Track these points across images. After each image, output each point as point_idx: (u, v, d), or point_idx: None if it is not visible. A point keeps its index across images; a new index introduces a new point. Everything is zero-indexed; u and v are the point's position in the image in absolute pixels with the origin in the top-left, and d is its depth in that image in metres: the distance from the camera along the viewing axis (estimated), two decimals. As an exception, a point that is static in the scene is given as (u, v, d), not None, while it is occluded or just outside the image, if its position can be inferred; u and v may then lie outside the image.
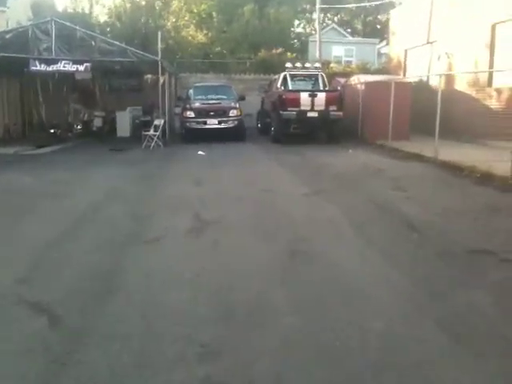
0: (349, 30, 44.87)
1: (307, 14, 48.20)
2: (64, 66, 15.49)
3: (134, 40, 22.60)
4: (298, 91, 16.02)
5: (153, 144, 15.13)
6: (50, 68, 15.43)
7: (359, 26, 51.00)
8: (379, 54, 37.56)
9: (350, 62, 30.53)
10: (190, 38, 25.91)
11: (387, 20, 49.51)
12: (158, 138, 15.37)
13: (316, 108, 15.62)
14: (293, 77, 17.26)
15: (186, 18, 26.49)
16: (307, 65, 17.75)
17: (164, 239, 5.45)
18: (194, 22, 29.42)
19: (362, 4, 36.81)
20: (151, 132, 15.43)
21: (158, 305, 3.79)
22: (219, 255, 4.92)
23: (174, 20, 24.82)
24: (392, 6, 47.30)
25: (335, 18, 49.86)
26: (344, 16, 50.58)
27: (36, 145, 16.04)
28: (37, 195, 7.92)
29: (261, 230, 5.85)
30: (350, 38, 40.37)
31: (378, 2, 36.15)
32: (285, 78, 17.17)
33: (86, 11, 23.07)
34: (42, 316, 3.62)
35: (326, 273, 4.44)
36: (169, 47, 23.57)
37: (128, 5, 24.23)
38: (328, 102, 15.63)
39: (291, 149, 14.71)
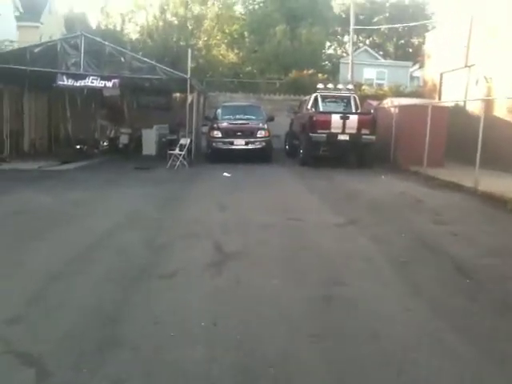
0: (381, 53, 44.27)
1: (338, 37, 47.98)
2: (92, 82, 15.23)
3: (165, 58, 22.43)
4: (329, 113, 15.44)
5: (178, 163, 14.69)
6: (78, 83, 15.19)
7: (391, 49, 50.42)
8: (411, 78, 36.88)
9: (381, 84, 29.86)
10: (220, 57, 25.67)
11: (420, 43, 49.10)
12: (183, 157, 14.94)
13: (347, 131, 15.00)
14: (324, 98, 16.71)
15: (218, 38, 26.28)
16: (339, 86, 17.19)
17: (180, 275, 4.87)
18: (226, 41, 29.27)
19: (395, 25, 36.12)
20: (176, 151, 15.00)
21: (165, 364, 3.18)
22: (240, 299, 4.30)
23: (205, 39, 24.61)
24: (425, 29, 46.83)
25: (367, 41, 49.46)
26: (376, 39, 50.14)
27: (61, 160, 15.78)
28: (52, 217, 7.46)
29: (289, 268, 5.22)
30: (382, 60, 39.78)
31: (411, 24, 35.51)
32: (316, 99, 16.62)
33: (118, 28, 23.01)
34: (30, 369, 3.07)
35: (366, 329, 3.77)
36: (199, 66, 23.36)
37: (160, 23, 24.14)
38: (360, 125, 15.00)
39: (320, 173, 14.10)
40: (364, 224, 7.42)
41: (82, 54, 14.96)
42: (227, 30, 31.03)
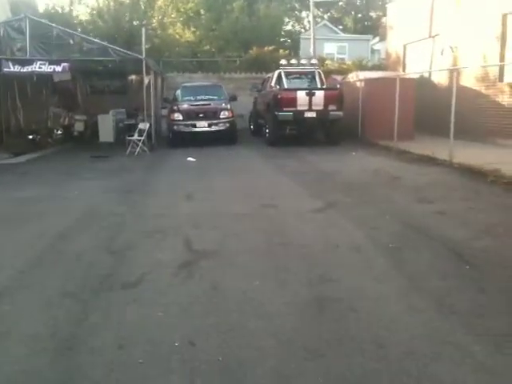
0: (340, 27, 43.74)
1: (296, 12, 47.19)
2: (40, 67, 14.14)
3: (118, 39, 21.26)
4: (295, 90, 14.81)
5: (137, 150, 13.86)
6: (25, 69, 14.07)
7: (349, 24, 49.97)
8: (372, 51, 36.56)
9: (342, 59, 29.42)
10: (177, 36, 24.57)
11: (379, 16, 48.81)
12: (143, 143, 14.11)
13: (314, 107, 14.43)
14: (288, 74, 16.04)
15: (173, 16, 25.13)
16: (303, 61, 16.52)
17: (146, 282, 4.21)
18: (181, 20, 28.11)
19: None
20: (135, 137, 14.15)
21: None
22: (219, 308, 3.67)
23: (159, 17, 23.45)
24: (383, 2, 46.50)
25: (325, 16, 48.86)
26: (334, 13, 49.57)
27: (12, 152, 14.72)
28: (-4, 219, 6.64)
29: (269, 265, 4.62)
30: (343, 34, 39.28)
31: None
32: (279, 76, 15.94)
33: (67, 10, 21.64)
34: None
35: (368, 337, 3.22)
36: (154, 46, 22.26)
37: (111, 3, 22.86)
38: (327, 101, 14.44)
39: (288, 152, 13.53)
40: (343, 207, 6.89)
41: (28, 38, 13.87)
42: (182, 9, 29.83)
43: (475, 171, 9.28)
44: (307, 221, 6.19)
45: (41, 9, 25.90)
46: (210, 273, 4.40)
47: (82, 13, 23.72)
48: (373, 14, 51.04)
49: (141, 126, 14.41)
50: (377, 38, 38.61)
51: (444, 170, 9.80)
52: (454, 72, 11.30)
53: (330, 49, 33.05)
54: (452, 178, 8.98)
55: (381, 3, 49.32)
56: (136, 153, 13.77)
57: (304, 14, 50.04)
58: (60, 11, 21.00)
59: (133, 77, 21.08)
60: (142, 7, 22.46)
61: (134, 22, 21.18)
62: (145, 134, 14.22)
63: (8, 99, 19.91)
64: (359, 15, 51.37)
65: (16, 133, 19.85)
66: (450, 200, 7.19)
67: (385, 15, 42.16)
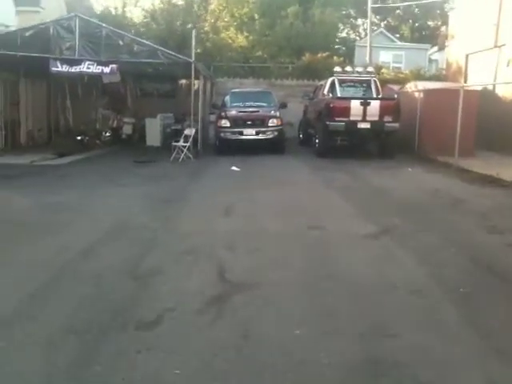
0: (397, 36, 42.39)
1: (352, 20, 46.17)
2: (88, 68, 13.92)
3: (169, 42, 21.03)
4: (348, 98, 14.00)
5: (182, 156, 13.39)
6: (73, 69, 13.88)
7: (406, 33, 48.47)
8: (430, 61, 35.13)
9: (398, 68, 28.24)
10: (229, 40, 24.16)
11: (436, 25, 47.15)
12: (188, 149, 13.64)
13: (368, 118, 13.57)
14: (342, 82, 15.23)
15: (226, 20, 24.76)
16: (358, 69, 15.68)
17: (166, 322, 3.56)
18: (235, 24, 27.73)
19: (413, 2, 34.24)
20: (181, 143, 13.70)
21: None
22: (247, 368, 2.98)
23: (212, 21, 23.12)
24: (442, 10, 44.85)
25: (382, 24, 47.52)
26: (391, 21, 48.19)
27: (58, 153, 14.59)
28: (21, 228, 6.15)
29: (314, 307, 3.90)
30: (399, 42, 37.99)
31: (429, 1, 33.69)
32: (333, 84, 15.16)
33: (120, 12, 21.62)
34: None
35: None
36: (206, 50, 21.92)
37: (165, 5, 22.71)
38: (383, 112, 13.54)
39: (338, 164, 12.73)
40: (401, 233, 6.07)
41: (77, 38, 13.64)
42: (237, 14, 29.49)
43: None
44: (359, 249, 5.42)
45: (97, 10, 26.17)
46: (242, 313, 3.72)
47: (135, 15, 23.67)
48: (431, 23, 49.39)
49: (186, 131, 13.96)
50: (435, 48, 37.15)
51: (511, 193, 8.78)
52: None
53: (385, 57, 31.89)
54: (524, 204, 7.98)
55: (439, 12, 47.76)
56: (180, 159, 13.31)
57: (360, 21, 48.91)
58: (113, 12, 20.92)
59: (183, 81, 20.81)
60: (195, 9, 22.10)
61: (187, 26, 20.85)
62: (190, 140, 13.76)
63: (58, 99, 20.03)
64: (416, 24, 49.79)
65: (65, 133, 19.94)
66: (524, 231, 6.25)
67: (444, 24, 40.81)
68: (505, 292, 4.26)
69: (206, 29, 22.60)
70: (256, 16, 30.55)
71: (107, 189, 8.90)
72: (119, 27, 15.90)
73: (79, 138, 19.16)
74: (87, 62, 13.81)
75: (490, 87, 16.45)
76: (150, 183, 9.55)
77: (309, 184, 9.88)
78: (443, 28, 37.85)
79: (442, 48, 36.66)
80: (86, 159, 13.90)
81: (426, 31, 48.13)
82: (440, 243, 5.66)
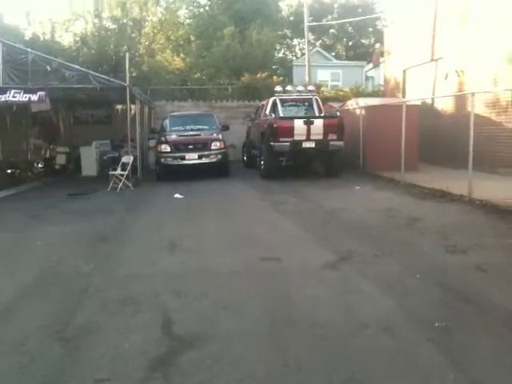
0: (332, 54, 43.18)
1: (288, 40, 46.71)
2: (14, 96, 12.95)
3: (103, 66, 20.20)
4: (291, 118, 13.70)
5: (120, 185, 12.60)
6: (-2, 98, 12.91)
7: (341, 51, 49.56)
8: (366, 78, 35.85)
9: (336, 86, 28.56)
10: (165, 63, 23.56)
11: (370, 43, 48.48)
12: (126, 177, 12.87)
13: (313, 137, 13.29)
14: (283, 102, 14.96)
15: (161, 42, 24.17)
16: (299, 88, 15.48)
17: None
18: (171, 46, 27.20)
19: (349, 20, 34.95)
20: (118, 171, 12.91)
21: None
22: None
23: (147, 43, 22.46)
24: (375, 29, 46.20)
25: (317, 43, 48.37)
26: (327, 40, 49.14)
27: (-16, 189, 13.43)
28: None
29: (275, 362, 3.32)
30: (335, 61, 38.64)
31: (365, 18, 34.48)
32: (274, 104, 14.85)
33: (48, 36, 20.56)
34: None
35: None
36: (142, 73, 21.21)
37: (95, 29, 21.88)
38: (327, 130, 13.30)
39: (285, 186, 12.35)
40: (359, 261, 5.62)
41: (1, 64, 12.70)
42: (172, 37, 28.98)
43: (502, 209, 8.11)
44: (319, 283, 4.91)
45: (27, 37, 24.92)
46: (193, 377, 3.10)
47: (66, 41, 22.61)
48: (364, 41, 50.74)
49: (124, 159, 13.20)
50: (370, 65, 38.02)
51: (465, 208, 8.60)
52: (470, 97, 10.17)
53: (323, 76, 32.33)
54: (477, 219, 7.76)
55: (372, 29, 49.14)
56: (118, 189, 12.52)
57: (295, 41, 49.66)
58: (41, 38, 19.89)
59: (118, 106, 20.01)
60: (129, 32, 21.37)
61: (121, 49, 20.11)
62: (128, 167, 13.00)
63: (-16, 131, 18.69)
64: (350, 43, 51.04)
65: (-7, 166, 18.61)
66: (486, 249, 5.93)
67: (377, 41, 41.91)
68: (482, 322, 3.86)
69: (140, 52, 21.86)
70: (192, 38, 30.22)
71: (36, 229, 8.00)
72: (49, 53, 14.97)
73: (9, 171, 17.99)
74: (13, 91, 12.87)
75: (429, 101, 16.64)
76: (85, 220, 8.70)
77: (257, 210, 9.35)
78: (377, 45, 38.88)
79: (376, 65, 37.62)
80: (15, 195, 12.82)
81: (361, 49, 49.40)
82: (402, 269, 5.25)
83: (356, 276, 5.08)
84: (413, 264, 5.41)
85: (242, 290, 4.76)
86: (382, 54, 37.68)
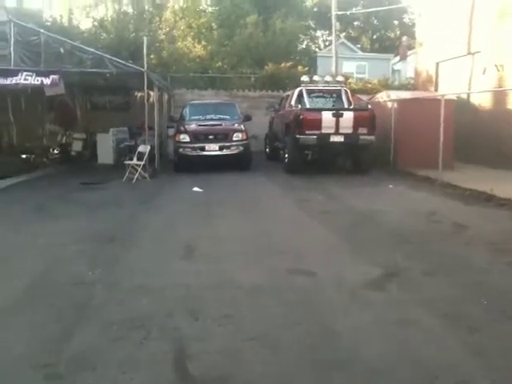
0: (358, 46, 41.94)
1: (311, 31, 45.51)
2: (25, 79, 12.27)
3: (122, 52, 19.43)
4: (319, 110, 12.80)
5: (136, 176, 11.87)
6: (8, 81, 12.22)
7: (366, 44, 48.21)
8: (393, 71, 34.68)
9: (361, 79, 27.51)
10: (186, 50, 22.73)
11: (396, 36, 47.09)
12: (143, 167, 12.13)
13: (342, 131, 12.40)
14: (310, 92, 14.04)
15: (182, 28, 23.33)
16: (327, 78, 14.56)
17: None
18: (192, 34, 26.36)
19: (376, 9, 33.75)
20: (134, 161, 12.17)
21: None
22: None
23: (167, 29, 21.65)
24: (401, 23, 44.83)
25: (341, 35, 47.12)
26: (352, 32, 47.82)
27: (-4, 175, 12.81)
28: None
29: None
30: (361, 53, 37.47)
31: (393, 7, 33.27)
32: (300, 94, 13.94)
33: (65, 21, 19.84)
34: None
35: None
36: (162, 60, 20.42)
37: (114, 14, 21.13)
38: (357, 124, 12.41)
39: (310, 182, 11.51)
40: (408, 278, 4.76)
41: (12, 45, 11.98)
42: (194, 25, 28.14)
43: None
44: (363, 307, 4.06)
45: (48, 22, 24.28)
46: None
47: (84, 25, 21.89)
48: (391, 34, 49.32)
49: (140, 148, 12.44)
50: (397, 58, 36.78)
51: (516, 214, 7.68)
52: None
53: (349, 68, 31.27)
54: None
55: (398, 22, 47.72)
56: (134, 180, 11.78)
57: (319, 33, 48.47)
58: (58, 20, 19.17)
59: (137, 93, 19.26)
60: (148, 17, 20.55)
61: (140, 34, 19.32)
62: (145, 157, 12.26)
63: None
64: (376, 35, 49.65)
65: (8, 151, 18.04)
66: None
67: (404, 34, 40.56)
68: None
69: (160, 38, 21.07)
70: (214, 26, 29.30)
71: (39, 224, 7.25)
72: (66, 37, 14.25)
73: (24, 156, 17.44)
74: (24, 73, 12.18)
75: (464, 96, 15.61)
76: (94, 214, 7.96)
77: (282, 208, 8.52)
78: (404, 38, 37.60)
79: (403, 58, 36.37)
80: (25, 182, 12.17)
81: (386, 42, 48.01)
82: (463, 292, 4.39)
83: (407, 300, 4.22)
84: (473, 284, 4.55)
85: (270, 313, 3.95)
86: (409, 47, 36.59)
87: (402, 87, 21.44)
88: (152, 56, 20.26)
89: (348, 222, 7.30)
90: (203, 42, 25.70)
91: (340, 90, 14.27)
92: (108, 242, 6.19)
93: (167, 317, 3.84)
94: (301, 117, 12.35)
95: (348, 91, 14.40)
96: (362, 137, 12.40)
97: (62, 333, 3.59)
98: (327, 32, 47.11)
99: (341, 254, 5.63)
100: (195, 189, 10.49)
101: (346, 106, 13.80)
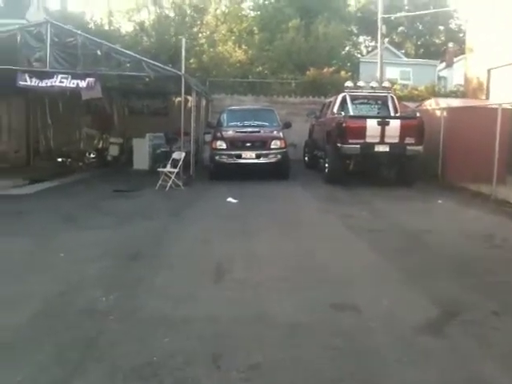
0: (402, 52, 40.76)
1: (353, 37, 44.57)
2: (61, 81, 12.05)
3: (161, 55, 19.19)
4: (363, 117, 12.07)
5: (169, 184, 11.42)
6: (43, 83, 12.01)
7: (410, 49, 46.87)
8: (439, 78, 33.41)
9: (405, 85, 26.49)
10: (227, 54, 22.32)
11: (441, 41, 45.61)
12: (177, 175, 11.68)
13: (387, 140, 11.64)
14: (354, 99, 13.31)
15: (223, 32, 22.96)
16: (373, 84, 13.80)
17: None
18: (233, 38, 25.97)
19: (422, 12, 32.64)
20: (167, 168, 11.73)
21: None
22: None
23: (208, 33, 21.30)
24: (447, 28, 43.37)
25: (385, 41, 45.99)
26: (396, 37, 46.59)
27: (31, 178, 12.64)
28: None
29: None
30: (406, 59, 36.34)
31: (439, 10, 32.14)
32: (344, 101, 13.22)
33: (106, 23, 19.78)
34: None
35: None
36: (202, 64, 20.09)
37: (155, 17, 20.92)
38: (404, 133, 11.62)
39: (353, 195, 10.81)
40: (475, 321, 4.02)
41: (49, 47, 11.76)
42: (235, 29, 27.77)
43: None
44: (423, 361, 3.34)
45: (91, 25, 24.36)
46: None
47: (124, 26, 21.79)
48: (437, 40, 47.85)
49: (175, 155, 12.00)
50: (443, 64, 35.47)
51: None
52: None
53: (392, 74, 30.23)
54: None
55: (443, 28, 46.24)
56: (167, 188, 11.34)
57: (361, 38, 47.49)
58: (99, 23, 19.07)
59: (176, 98, 18.96)
60: (190, 19, 20.23)
61: (180, 37, 19.05)
62: (179, 164, 11.81)
63: (38, 117, 18.10)
64: (419, 42, 48.26)
65: (45, 154, 18.04)
66: None
67: (450, 40, 39.15)
68: None
69: (201, 42, 20.72)
70: (255, 30, 28.86)
71: (63, 236, 6.79)
72: (106, 40, 14.01)
73: (60, 160, 17.39)
74: (60, 76, 11.95)
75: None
76: (122, 226, 7.47)
77: (323, 225, 7.84)
78: (450, 44, 36.27)
79: (450, 64, 35.03)
80: (57, 188, 11.90)
81: (431, 48, 46.57)
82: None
83: (477, 353, 3.49)
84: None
85: (311, 363, 3.30)
86: (455, 54, 35.25)
87: (451, 95, 20.40)
88: (192, 60, 19.97)
89: (397, 245, 6.56)
90: (244, 47, 25.27)
91: (386, 96, 13.48)
92: (133, 260, 5.67)
93: (185, 364, 3.24)
94: (344, 124, 11.65)
95: (394, 98, 13.59)
96: (409, 147, 11.61)
97: (59, 380, 3.04)
98: (370, 37, 46.17)
99: (391, 285, 4.93)
100: (229, 199, 9.94)
101: (392, 113, 13.00)
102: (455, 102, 13.98)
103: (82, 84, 12.07)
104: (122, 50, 12.50)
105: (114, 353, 3.40)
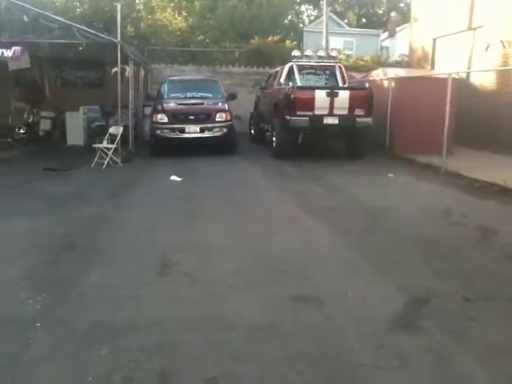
0: (345, 21, 40.53)
1: (295, 6, 43.94)
2: (-16, 51, 10.86)
3: (96, 23, 17.90)
4: (312, 88, 11.60)
5: (107, 161, 10.60)
6: (-38, 53, 10.80)
7: (352, 19, 46.77)
8: (381, 47, 33.49)
9: (349, 55, 26.28)
10: (165, 21, 21.18)
11: (384, 11, 45.80)
12: (115, 151, 10.87)
13: (336, 112, 11.26)
14: (301, 69, 12.81)
15: (162, -1, 21.79)
16: (320, 53, 13.32)
17: None
18: (172, 5, 24.74)
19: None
20: (104, 144, 10.89)
21: None
22: None
23: (145, -1, 20.11)
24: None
25: (328, 9, 45.50)
26: (338, 7, 46.25)
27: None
28: None
29: None
30: (348, 28, 36.13)
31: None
32: (291, 71, 12.69)
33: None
34: None
35: None
36: (139, 32, 18.95)
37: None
38: (353, 104, 11.27)
39: (304, 170, 10.42)
40: (447, 310, 3.68)
41: (-33, 13, 10.54)
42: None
43: None
44: (397, 363, 2.97)
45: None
46: None
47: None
48: (379, 10, 47.97)
49: (111, 130, 11.17)
50: (385, 34, 35.54)
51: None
52: None
53: (336, 44, 29.87)
54: None
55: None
56: (104, 165, 10.52)
57: (303, 8, 46.94)
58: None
59: (112, 68, 17.82)
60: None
61: (115, 3, 17.80)
62: (117, 140, 10.99)
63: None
64: (361, 12, 48.25)
65: (-30, 131, 16.56)
66: None
67: (392, 10, 39.31)
68: None
69: (138, 8, 19.51)
70: (195, -3, 27.69)
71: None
72: (35, 6, 12.69)
73: (-14, 137, 16.01)
74: (-18, 45, 10.75)
75: (463, 75, 14.53)
76: (54, 211, 6.69)
77: (278, 205, 7.34)
78: (393, 14, 36.35)
79: (392, 34, 35.15)
80: (-19, 167, 10.82)
81: (374, 17, 46.66)
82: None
83: (453, 350, 3.13)
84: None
85: (276, 376, 2.83)
86: (397, 23, 35.38)
87: (395, 65, 20.30)
88: (129, 28, 18.80)
89: (357, 224, 6.19)
90: (184, 14, 24.15)
91: (334, 66, 13.05)
92: (65, 252, 4.98)
93: (127, 379, 2.70)
94: (292, 96, 11.14)
95: (343, 68, 13.19)
96: (358, 119, 11.29)
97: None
98: (312, 7, 45.72)
99: (354, 272, 4.53)
100: (173, 177, 9.28)
101: (340, 84, 12.62)
102: (403, 72, 13.76)
103: (8, 53, 10.95)
104: (51, 15, 11.37)
105: (38, 374, 2.79)
